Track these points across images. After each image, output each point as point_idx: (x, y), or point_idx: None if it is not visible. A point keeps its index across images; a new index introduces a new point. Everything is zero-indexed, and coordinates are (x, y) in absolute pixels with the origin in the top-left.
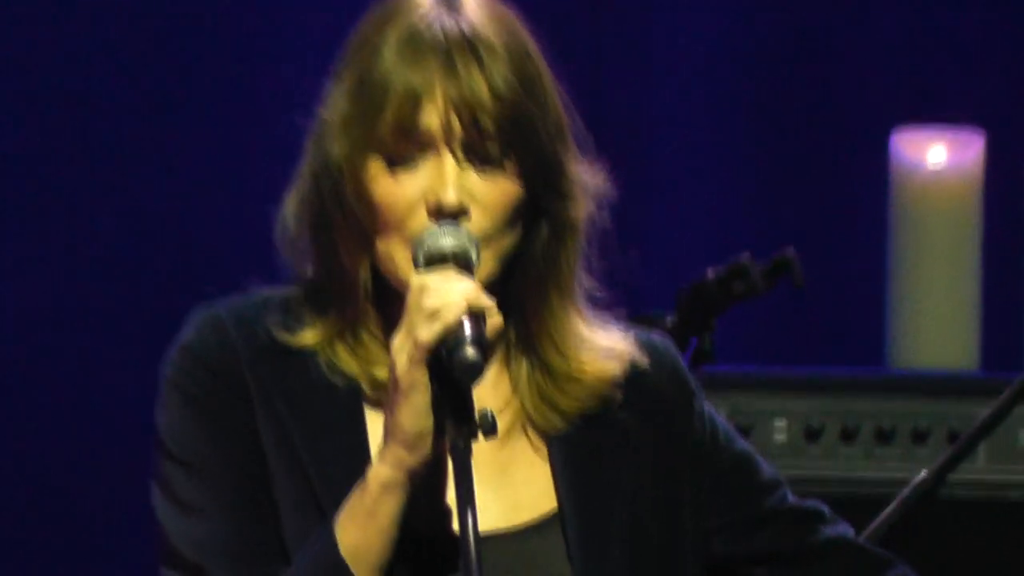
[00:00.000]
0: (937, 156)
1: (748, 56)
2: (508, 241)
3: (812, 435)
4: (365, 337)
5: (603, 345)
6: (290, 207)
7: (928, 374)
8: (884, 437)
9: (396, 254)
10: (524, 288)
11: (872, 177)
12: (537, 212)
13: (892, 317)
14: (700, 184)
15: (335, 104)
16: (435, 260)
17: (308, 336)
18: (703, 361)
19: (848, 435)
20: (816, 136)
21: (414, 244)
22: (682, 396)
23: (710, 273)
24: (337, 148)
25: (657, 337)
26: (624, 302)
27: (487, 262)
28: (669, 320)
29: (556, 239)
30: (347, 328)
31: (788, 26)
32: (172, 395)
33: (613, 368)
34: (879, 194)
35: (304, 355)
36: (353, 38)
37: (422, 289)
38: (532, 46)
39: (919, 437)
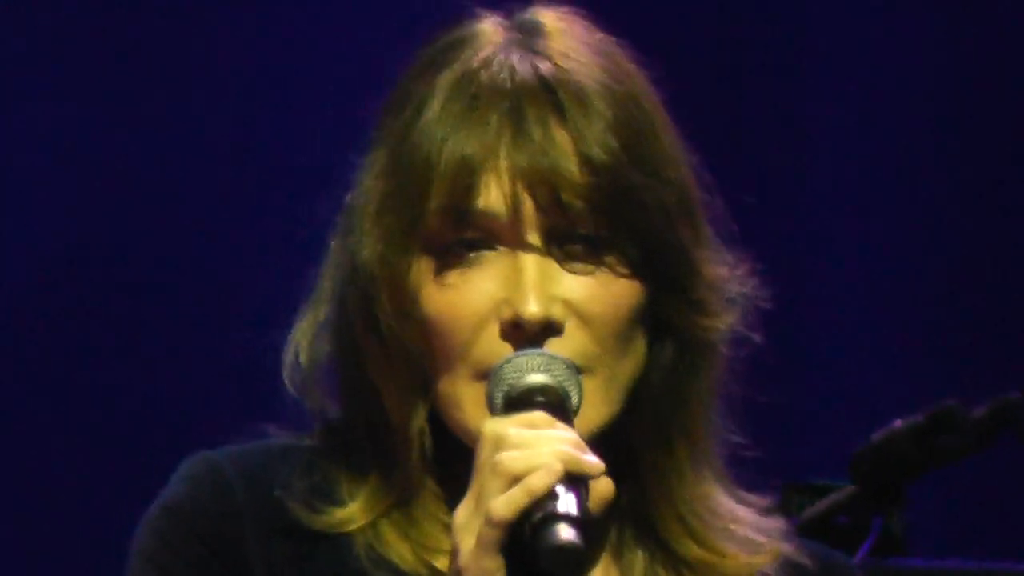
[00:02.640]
0: None
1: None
2: (625, 369)
3: None
4: (419, 513)
5: (752, 527)
6: (303, 336)
7: None
8: None
9: (462, 394)
10: (639, 436)
11: None
12: (657, 326)
13: None
14: (885, 304)
15: (365, 187)
16: (520, 403)
17: (341, 517)
18: (891, 550)
19: None
20: None
21: (490, 379)
22: None
23: (901, 425)
24: (367, 247)
25: (839, 555)
26: (778, 467)
27: (594, 402)
28: (842, 492)
29: (684, 365)
30: (395, 502)
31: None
32: (146, 572)
33: (763, 563)
34: None
35: (336, 534)
36: (393, 91)
37: (499, 443)
38: (645, 90)
39: None
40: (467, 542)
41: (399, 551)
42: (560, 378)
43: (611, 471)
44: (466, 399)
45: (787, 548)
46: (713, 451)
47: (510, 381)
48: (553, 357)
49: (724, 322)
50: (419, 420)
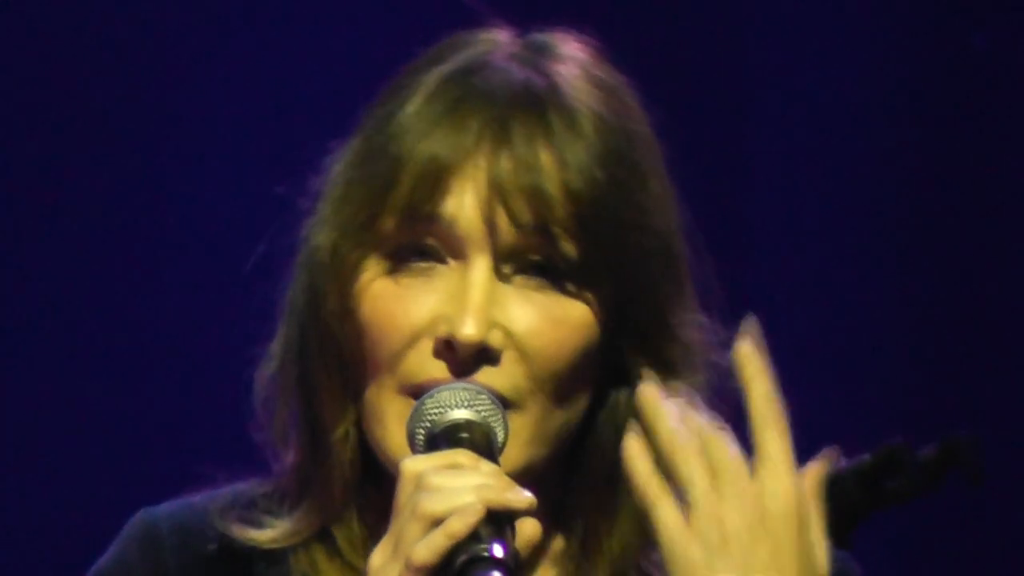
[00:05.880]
0: None
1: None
2: (559, 413)
3: None
4: (345, 535)
5: None
6: (275, 349)
7: None
8: None
9: (386, 408)
10: (580, 489)
11: None
12: (617, 380)
13: None
14: (830, 341)
15: (335, 173)
16: (443, 441)
17: (271, 534)
18: None
19: None
20: (997, 270)
21: (412, 415)
22: None
23: (846, 466)
24: (323, 234)
25: (843, 555)
26: None
27: (520, 441)
28: None
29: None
30: (325, 523)
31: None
32: None
33: None
34: None
35: (273, 571)
36: (388, 82)
37: (418, 483)
38: (643, 134)
39: None
40: None
41: None
42: (485, 414)
43: (549, 519)
44: (389, 414)
45: None
46: None
47: (432, 417)
48: (479, 391)
49: (691, 382)
50: (346, 424)
